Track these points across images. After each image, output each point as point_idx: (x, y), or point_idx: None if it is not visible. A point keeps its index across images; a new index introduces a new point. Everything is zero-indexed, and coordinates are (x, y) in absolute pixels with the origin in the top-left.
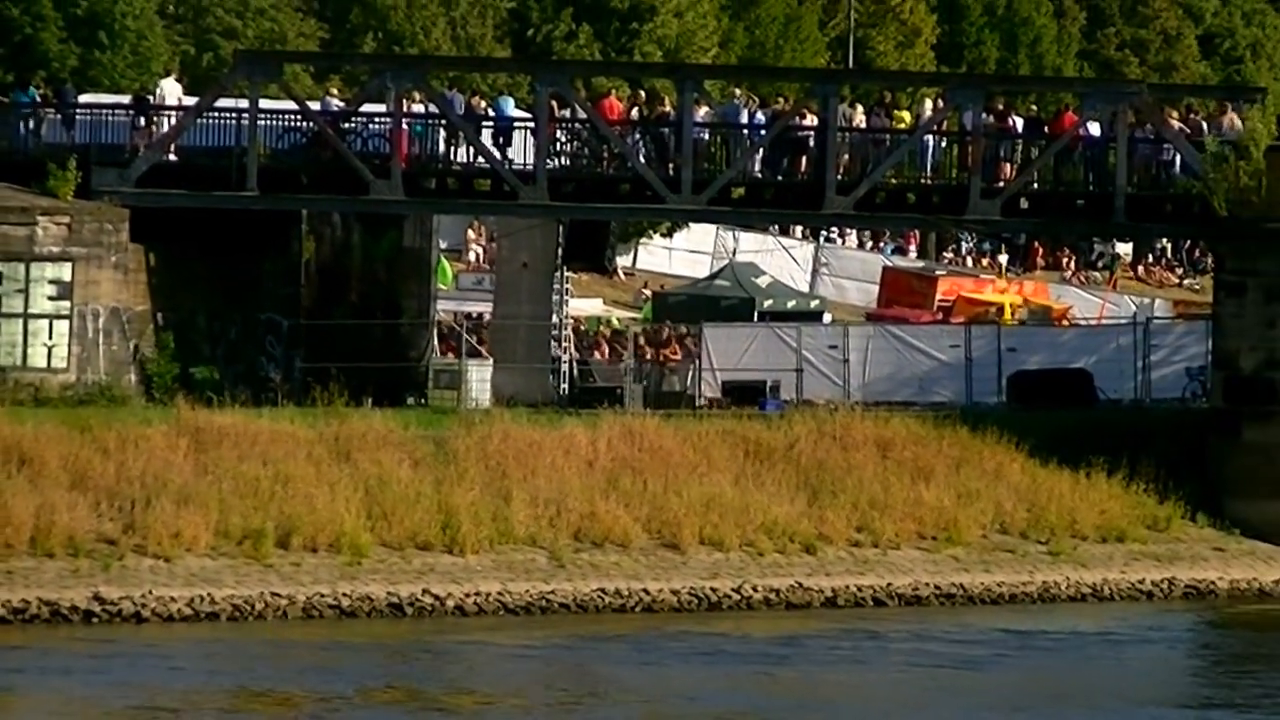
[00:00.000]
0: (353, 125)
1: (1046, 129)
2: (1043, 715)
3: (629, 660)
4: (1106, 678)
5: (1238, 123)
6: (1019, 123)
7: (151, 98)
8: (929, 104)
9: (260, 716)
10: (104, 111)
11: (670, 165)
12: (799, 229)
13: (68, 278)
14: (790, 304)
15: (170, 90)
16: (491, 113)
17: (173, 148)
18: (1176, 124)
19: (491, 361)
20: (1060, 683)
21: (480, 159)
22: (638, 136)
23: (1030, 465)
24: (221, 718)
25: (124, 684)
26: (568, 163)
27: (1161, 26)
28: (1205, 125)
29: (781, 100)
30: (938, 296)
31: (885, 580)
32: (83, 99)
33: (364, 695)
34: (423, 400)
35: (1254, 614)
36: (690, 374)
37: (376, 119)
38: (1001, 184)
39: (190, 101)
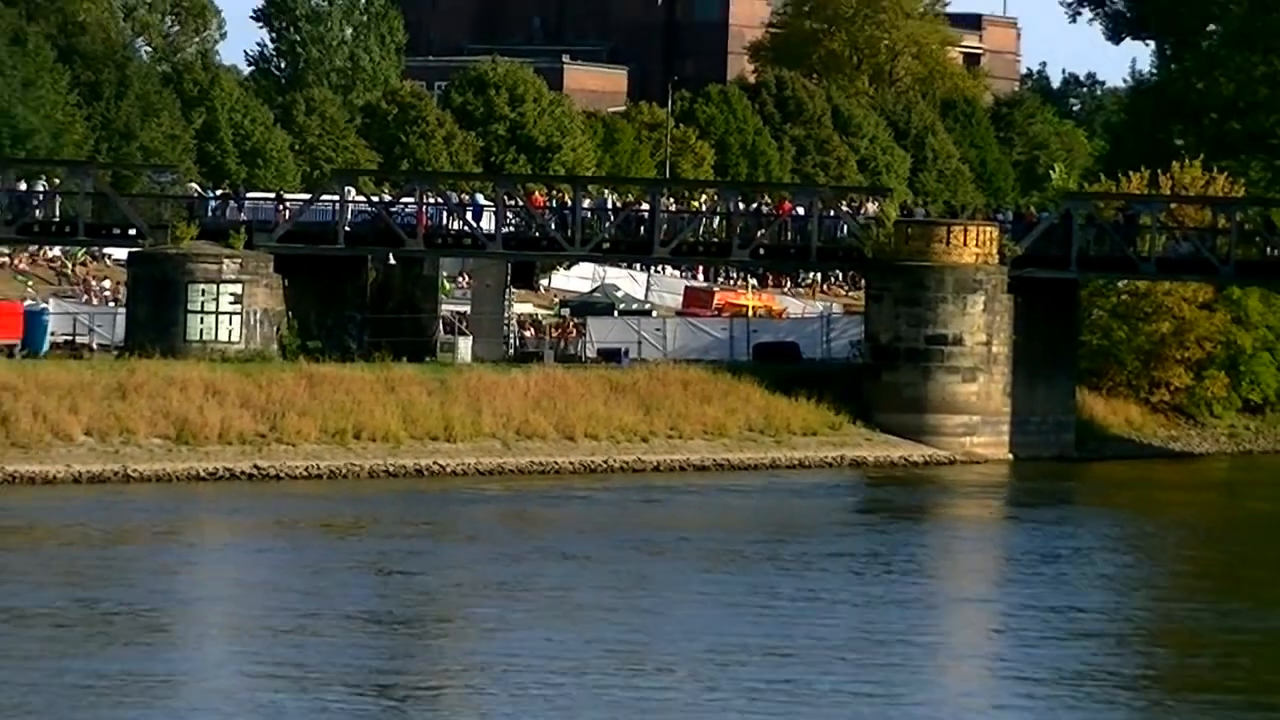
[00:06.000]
0: (396, 209)
1: (773, 210)
2: (755, 532)
3: (542, 501)
4: (793, 510)
5: (875, 208)
6: (760, 208)
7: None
8: (706, 197)
9: (344, 532)
10: (259, 201)
11: (569, 230)
12: (639, 265)
13: (240, 292)
14: (634, 306)
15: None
16: (470, 202)
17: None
18: (845, 208)
19: (471, 337)
20: (768, 512)
21: (465, 227)
22: (550, 215)
23: (766, 394)
24: (321, 530)
25: (269, 515)
26: (513, 229)
27: (836, 154)
28: (859, 209)
29: (630, 196)
30: (715, 302)
31: (685, 456)
32: (248, 195)
33: (394, 521)
34: (433, 359)
35: (885, 476)
36: (580, 344)
37: (408, 206)
38: (750, 241)
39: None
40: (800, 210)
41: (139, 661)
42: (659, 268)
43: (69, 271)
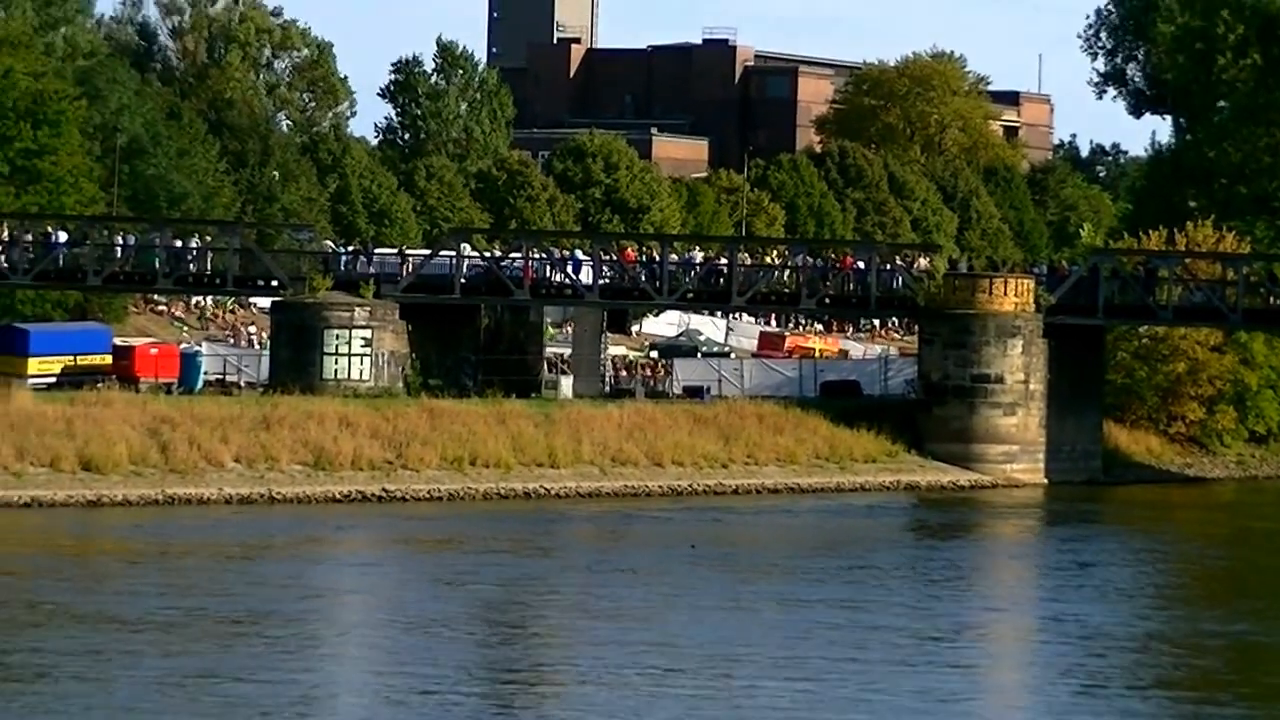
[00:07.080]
0: (505, 263)
1: (837, 264)
2: (815, 549)
3: (636, 520)
4: (856, 526)
5: (927, 262)
6: (826, 262)
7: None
8: (777, 252)
9: (457, 548)
10: (385, 256)
11: (657, 281)
12: (719, 312)
13: (369, 336)
14: (715, 349)
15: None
16: (570, 257)
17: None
18: (900, 262)
19: (572, 376)
20: (830, 530)
21: (566, 279)
22: (640, 269)
23: (831, 426)
24: (439, 547)
25: (395, 533)
26: (608, 281)
27: (891, 215)
28: (913, 263)
29: (711, 252)
30: (786, 345)
31: (760, 481)
32: (376, 251)
33: (503, 541)
34: (539, 395)
35: (936, 499)
36: (667, 382)
37: (516, 260)
38: (817, 291)
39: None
40: (861, 264)
41: (266, 660)
42: (737, 315)
43: (211, 317)
